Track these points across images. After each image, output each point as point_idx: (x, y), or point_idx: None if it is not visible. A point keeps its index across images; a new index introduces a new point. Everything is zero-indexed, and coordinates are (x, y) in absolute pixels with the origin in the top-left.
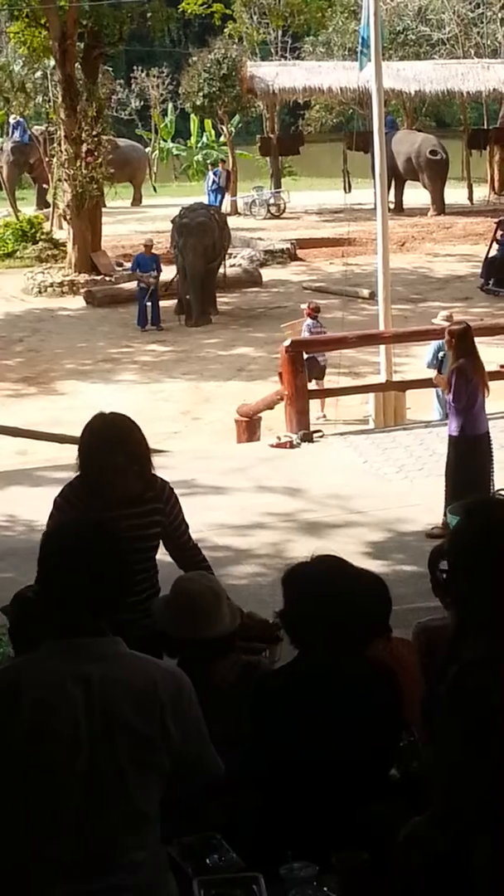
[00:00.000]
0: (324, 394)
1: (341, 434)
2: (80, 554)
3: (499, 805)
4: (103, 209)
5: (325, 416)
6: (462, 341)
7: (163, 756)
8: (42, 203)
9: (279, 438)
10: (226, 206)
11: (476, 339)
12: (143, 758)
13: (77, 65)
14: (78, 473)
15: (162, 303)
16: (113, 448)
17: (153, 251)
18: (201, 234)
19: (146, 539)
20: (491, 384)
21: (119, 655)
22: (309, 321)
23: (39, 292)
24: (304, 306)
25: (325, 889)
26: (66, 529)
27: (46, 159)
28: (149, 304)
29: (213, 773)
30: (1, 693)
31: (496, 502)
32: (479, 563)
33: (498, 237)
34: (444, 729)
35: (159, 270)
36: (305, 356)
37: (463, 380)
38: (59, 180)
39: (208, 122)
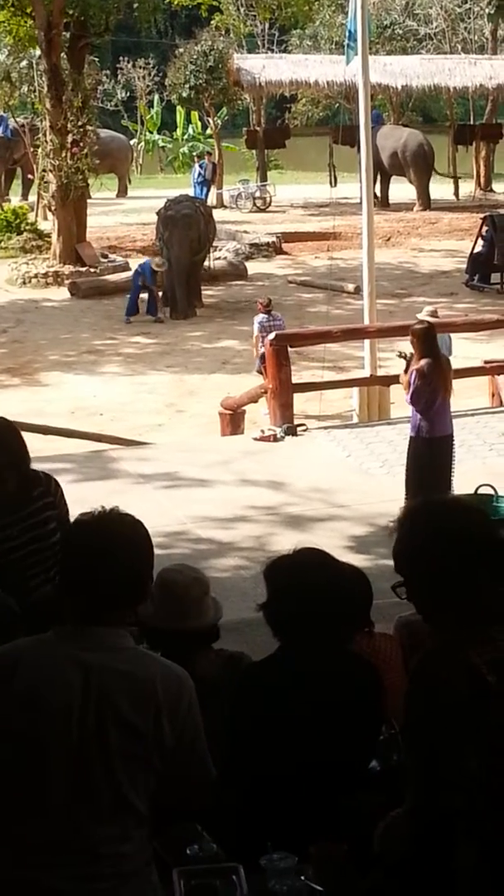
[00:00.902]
0: (308, 388)
1: (325, 428)
2: (95, 546)
3: (473, 795)
4: (88, 200)
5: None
6: (424, 341)
7: (154, 753)
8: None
9: (263, 432)
10: (211, 199)
11: (460, 335)
12: (134, 751)
13: (63, 55)
14: None
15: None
16: None
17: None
18: (187, 227)
19: (47, 537)
20: (474, 380)
21: (124, 648)
22: (261, 317)
23: (23, 283)
24: (258, 300)
25: (304, 878)
26: (85, 523)
27: (31, 150)
28: (144, 295)
29: (204, 780)
30: (1, 668)
31: (436, 505)
32: (422, 569)
33: (483, 233)
34: (409, 720)
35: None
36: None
37: (423, 382)
38: (45, 171)
39: (194, 114)
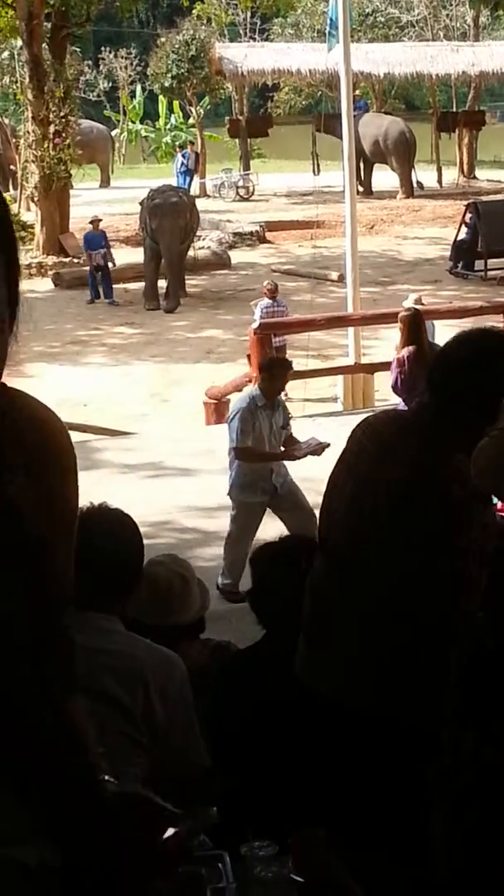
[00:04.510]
0: (292, 376)
1: (310, 416)
2: (92, 534)
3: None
4: (71, 191)
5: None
6: (410, 328)
7: (144, 732)
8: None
9: None
10: (194, 188)
11: (444, 323)
12: (123, 729)
13: (44, 45)
14: None
15: (131, 285)
16: None
17: (100, 228)
18: (176, 216)
19: None
20: None
21: (113, 631)
22: (265, 302)
23: None
24: (265, 284)
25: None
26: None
27: (14, 141)
28: (98, 274)
29: (198, 764)
30: None
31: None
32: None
33: (467, 220)
34: None
35: (108, 247)
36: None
37: (400, 370)
38: (27, 162)
39: (177, 104)
